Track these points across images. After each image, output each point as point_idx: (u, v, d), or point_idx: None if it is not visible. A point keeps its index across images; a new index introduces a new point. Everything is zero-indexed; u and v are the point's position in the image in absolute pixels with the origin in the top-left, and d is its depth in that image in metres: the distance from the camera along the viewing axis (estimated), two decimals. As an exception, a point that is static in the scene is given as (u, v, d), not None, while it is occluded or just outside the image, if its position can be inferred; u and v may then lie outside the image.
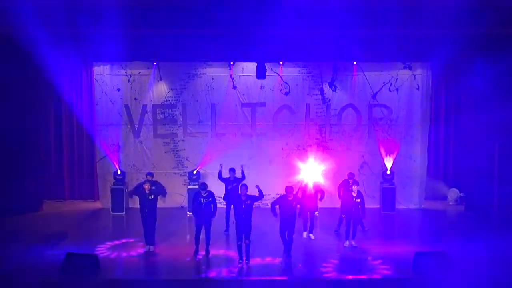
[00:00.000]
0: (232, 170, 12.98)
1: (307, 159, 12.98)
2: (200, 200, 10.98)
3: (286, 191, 10.80)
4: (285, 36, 13.41)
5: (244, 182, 11.93)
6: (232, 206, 12.63)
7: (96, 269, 9.56)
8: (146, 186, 11.20)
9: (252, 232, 10.63)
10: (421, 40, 13.72)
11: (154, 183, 11.87)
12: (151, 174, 12.50)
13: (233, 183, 12.83)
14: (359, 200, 11.28)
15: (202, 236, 11.09)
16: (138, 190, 11.55)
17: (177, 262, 10.59)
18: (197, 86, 15.60)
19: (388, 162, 15.10)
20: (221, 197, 13.43)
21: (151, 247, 11.23)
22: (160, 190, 11.59)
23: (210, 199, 11.05)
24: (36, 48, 13.08)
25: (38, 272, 9.85)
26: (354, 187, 11.29)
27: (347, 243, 11.46)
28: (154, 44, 14.09)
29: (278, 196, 12.65)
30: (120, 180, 15.01)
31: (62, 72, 15.48)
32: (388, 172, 14.99)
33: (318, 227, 13.26)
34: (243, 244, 10.43)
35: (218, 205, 13.93)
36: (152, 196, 11.17)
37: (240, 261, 10.44)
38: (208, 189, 11.20)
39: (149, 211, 11.15)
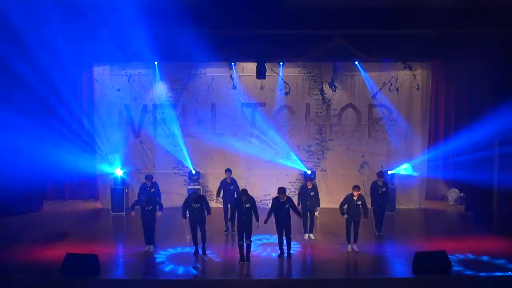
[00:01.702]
0: (228, 170, 12.91)
1: None
2: (192, 206, 10.98)
3: (278, 192, 10.77)
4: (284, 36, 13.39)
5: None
6: (229, 205, 12.52)
7: (96, 269, 9.55)
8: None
9: (254, 231, 10.66)
10: (421, 40, 13.71)
11: (153, 185, 12.34)
12: (149, 178, 12.63)
13: (230, 186, 12.76)
14: (360, 203, 11.22)
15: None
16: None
17: (177, 262, 10.57)
18: (197, 86, 15.62)
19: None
20: (220, 198, 13.41)
21: (151, 246, 11.25)
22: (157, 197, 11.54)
23: (203, 205, 11.04)
24: (36, 48, 13.08)
25: (38, 272, 9.85)
26: (355, 192, 11.23)
27: (349, 247, 11.35)
28: (155, 44, 14.07)
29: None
30: (120, 180, 15.01)
31: (62, 72, 15.50)
32: (389, 172, 14.98)
33: (318, 227, 13.25)
34: (244, 244, 10.46)
35: (216, 205, 14.02)
36: (150, 208, 11.13)
37: (241, 261, 10.45)
38: (199, 194, 11.44)
39: (148, 212, 11.15)
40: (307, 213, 12.23)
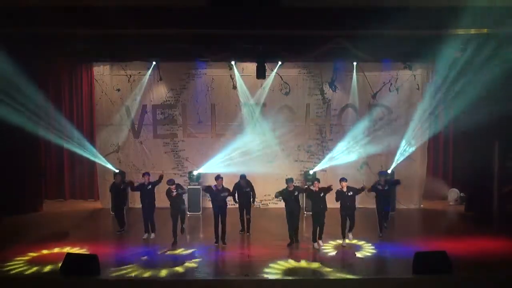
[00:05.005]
0: (219, 177, 12.10)
1: None
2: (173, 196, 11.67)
3: (286, 182, 11.62)
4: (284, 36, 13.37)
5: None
6: (220, 216, 11.81)
7: (96, 269, 9.55)
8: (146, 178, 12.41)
9: (254, 231, 10.78)
10: (421, 40, 13.70)
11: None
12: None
13: (220, 193, 12.44)
14: (351, 193, 11.51)
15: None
16: (139, 185, 12.59)
17: (176, 262, 10.57)
18: (197, 86, 15.62)
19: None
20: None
21: (153, 234, 12.18)
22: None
23: (185, 191, 12.11)
24: (36, 48, 13.07)
25: (38, 272, 9.84)
26: (343, 183, 11.57)
27: (344, 242, 11.48)
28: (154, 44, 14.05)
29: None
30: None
31: (63, 72, 15.52)
32: (389, 171, 14.96)
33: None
34: (245, 219, 12.32)
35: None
36: (150, 186, 12.31)
37: (242, 231, 12.27)
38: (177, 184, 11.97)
39: (148, 201, 12.23)
40: (320, 219, 11.45)
